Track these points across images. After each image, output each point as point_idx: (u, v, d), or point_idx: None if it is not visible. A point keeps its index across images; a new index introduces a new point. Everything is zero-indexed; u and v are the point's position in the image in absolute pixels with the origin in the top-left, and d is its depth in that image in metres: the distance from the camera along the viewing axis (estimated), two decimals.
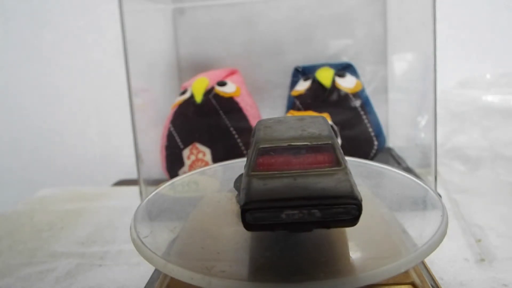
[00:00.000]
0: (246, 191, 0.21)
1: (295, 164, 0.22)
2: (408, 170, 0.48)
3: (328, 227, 0.20)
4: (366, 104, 0.49)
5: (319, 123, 0.25)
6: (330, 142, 0.23)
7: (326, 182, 0.21)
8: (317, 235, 0.24)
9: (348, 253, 0.23)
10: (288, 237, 0.25)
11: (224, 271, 0.21)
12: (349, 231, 0.25)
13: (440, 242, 0.22)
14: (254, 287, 0.19)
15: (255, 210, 0.19)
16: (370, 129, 0.48)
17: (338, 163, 0.22)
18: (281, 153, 0.22)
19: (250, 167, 0.22)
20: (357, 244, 0.24)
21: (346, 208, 0.19)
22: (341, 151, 0.23)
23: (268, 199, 0.20)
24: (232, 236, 0.26)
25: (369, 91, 0.52)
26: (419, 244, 0.22)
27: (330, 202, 0.19)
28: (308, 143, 0.23)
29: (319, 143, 0.23)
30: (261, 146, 0.23)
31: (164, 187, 0.34)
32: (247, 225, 0.20)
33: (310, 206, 0.19)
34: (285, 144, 0.23)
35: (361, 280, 0.19)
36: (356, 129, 0.47)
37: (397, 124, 0.56)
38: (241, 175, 0.32)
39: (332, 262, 0.22)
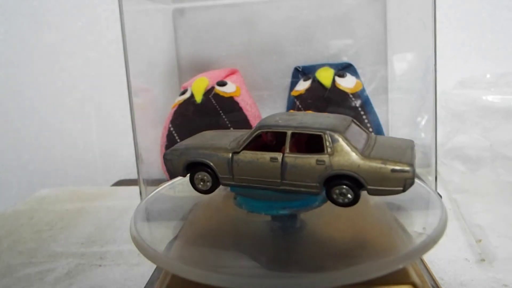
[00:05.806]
0: (393, 163, 0.23)
1: (363, 138, 0.26)
2: None
3: None
4: (366, 104, 0.49)
5: (312, 113, 0.29)
6: (354, 119, 0.28)
7: (394, 141, 0.27)
8: (317, 232, 0.24)
9: (347, 249, 0.23)
10: (286, 235, 0.25)
11: (224, 268, 0.21)
12: (349, 229, 0.25)
13: (439, 240, 0.22)
14: (255, 283, 0.19)
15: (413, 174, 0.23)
16: (370, 129, 0.48)
17: (368, 131, 0.28)
18: (352, 134, 0.26)
19: (359, 150, 0.24)
20: (357, 241, 0.24)
21: None
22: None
23: (411, 162, 0.23)
24: (231, 235, 0.26)
25: (369, 91, 0.52)
26: (418, 242, 0.22)
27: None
28: (350, 122, 0.27)
29: (353, 121, 0.28)
30: (341, 132, 0.25)
31: (164, 187, 0.34)
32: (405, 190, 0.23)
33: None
34: (347, 126, 0.26)
35: (360, 275, 0.19)
36: None
37: (397, 124, 0.56)
38: None
39: (331, 258, 0.22)
